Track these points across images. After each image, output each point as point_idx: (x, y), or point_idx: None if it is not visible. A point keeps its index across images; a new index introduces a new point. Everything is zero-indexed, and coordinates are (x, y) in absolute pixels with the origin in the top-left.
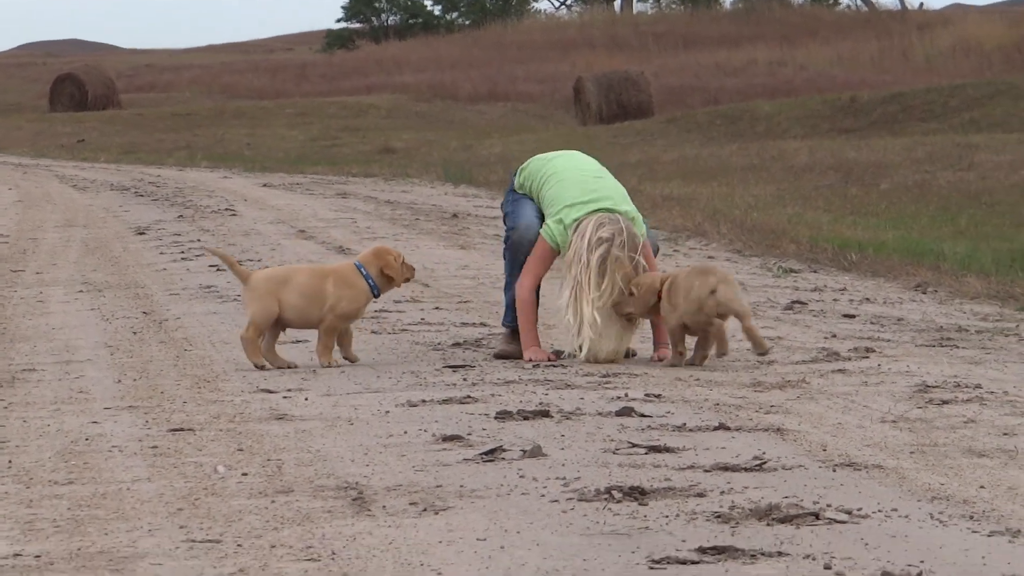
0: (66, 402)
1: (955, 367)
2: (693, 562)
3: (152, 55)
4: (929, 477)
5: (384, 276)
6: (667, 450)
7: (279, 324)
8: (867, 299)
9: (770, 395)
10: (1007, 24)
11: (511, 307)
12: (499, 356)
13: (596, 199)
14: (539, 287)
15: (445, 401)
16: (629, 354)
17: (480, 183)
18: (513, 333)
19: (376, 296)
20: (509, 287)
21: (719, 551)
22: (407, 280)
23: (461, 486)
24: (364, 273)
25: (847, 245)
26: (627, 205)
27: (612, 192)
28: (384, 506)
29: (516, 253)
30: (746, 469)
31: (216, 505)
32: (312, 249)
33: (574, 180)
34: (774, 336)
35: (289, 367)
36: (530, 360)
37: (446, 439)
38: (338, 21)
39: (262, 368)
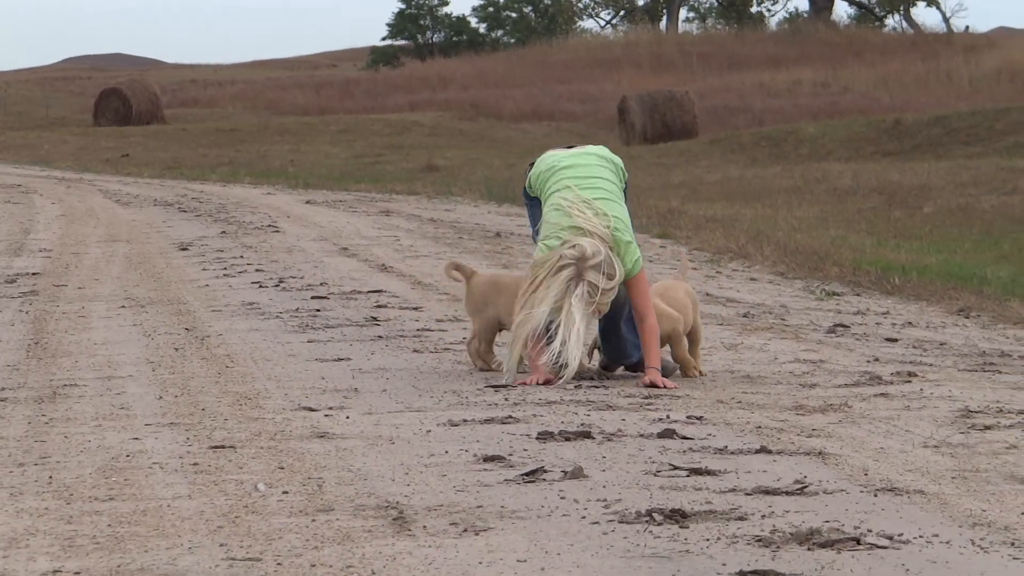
0: (107, 418)
1: (998, 392)
2: None
3: (196, 70)
4: (971, 503)
5: None
6: (708, 473)
7: None
8: (910, 323)
9: (812, 418)
10: None
11: None
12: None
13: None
14: None
15: (486, 421)
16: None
17: (523, 202)
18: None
19: None
20: None
21: (760, 575)
22: None
23: (502, 507)
24: None
25: (890, 268)
26: (626, 235)
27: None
28: (424, 526)
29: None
30: (787, 493)
31: (256, 523)
32: (354, 267)
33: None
34: (816, 359)
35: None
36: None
37: (487, 459)
38: (383, 38)
39: None
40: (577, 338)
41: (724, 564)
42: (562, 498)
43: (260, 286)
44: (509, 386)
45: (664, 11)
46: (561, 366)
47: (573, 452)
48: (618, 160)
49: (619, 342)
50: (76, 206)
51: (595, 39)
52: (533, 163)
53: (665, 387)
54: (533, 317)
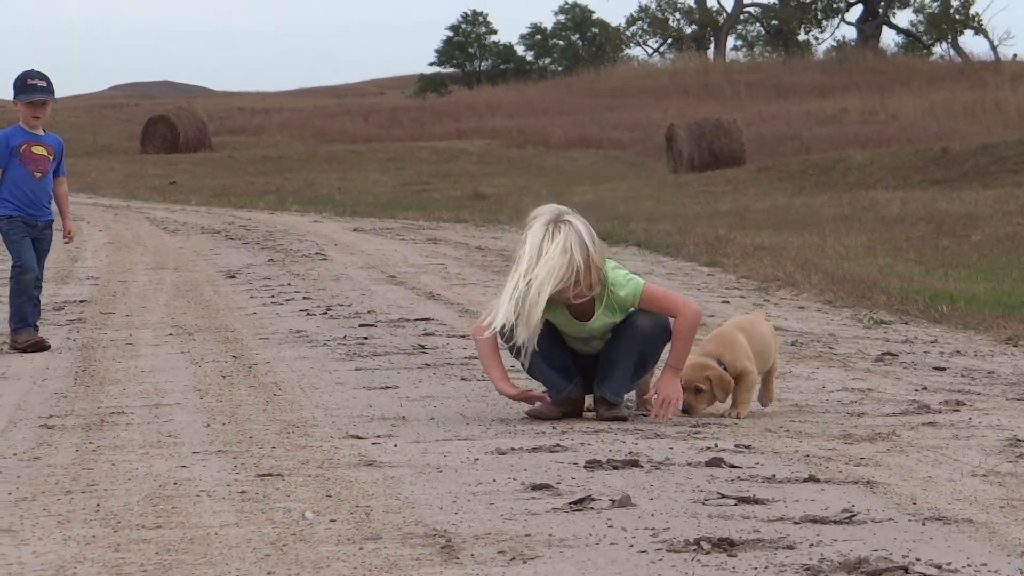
0: (155, 446)
1: None
2: None
3: (244, 98)
4: (1020, 532)
5: None
6: (756, 501)
7: None
8: (958, 352)
9: (860, 447)
10: None
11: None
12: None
13: None
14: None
15: (534, 449)
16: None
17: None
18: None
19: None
20: None
21: None
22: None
23: (550, 535)
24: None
25: (938, 297)
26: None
27: None
28: (472, 554)
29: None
30: (835, 522)
31: (304, 551)
32: (402, 295)
33: None
34: (864, 388)
35: None
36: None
37: (535, 487)
38: (431, 65)
39: None
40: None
41: None
42: (610, 527)
43: (308, 314)
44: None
45: (712, 39)
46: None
47: (621, 481)
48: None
49: (617, 379)
50: (123, 233)
51: (643, 67)
52: None
53: (665, 408)
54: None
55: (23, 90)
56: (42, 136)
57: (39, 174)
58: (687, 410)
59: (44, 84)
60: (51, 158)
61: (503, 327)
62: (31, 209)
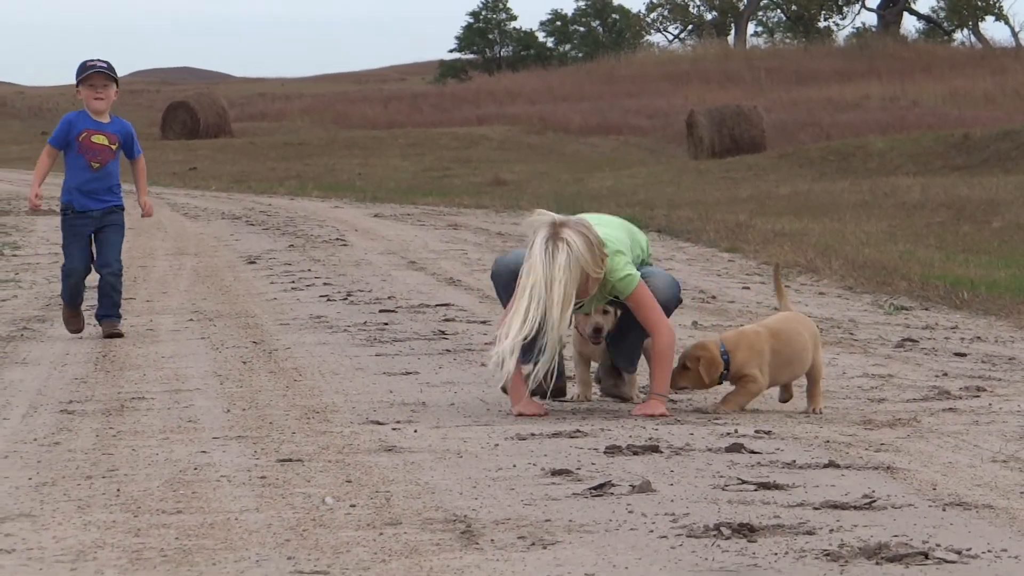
0: (175, 431)
1: None
2: None
3: (264, 84)
4: None
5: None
6: (776, 487)
7: None
8: (978, 338)
9: (880, 433)
10: None
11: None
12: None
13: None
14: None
15: (554, 435)
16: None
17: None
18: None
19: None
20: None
21: None
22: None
23: (570, 520)
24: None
25: (959, 283)
26: (614, 246)
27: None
28: (492, 539)
29: (496, 288)
30: (855, 507)
31: (324, 536)
32: (422, 280)
33: None
34: (885, 374)
35: None
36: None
37: (555, 473)
38: (451, 52)
39: None
40: (559, 319)
41: None
42: (630, 512)
43: (328, 299)
44: (577, 400)
45: (732, 25)
46: (544, 375)
47: (641, 466)
48: (641, 237)
49: (629, 348)
50: (143, 219)
51: (663, 53)
52: None
53: (662, 415)
54: (523, 299)
55: (81, 72)
56: (106, 123)
57: (96, 164)
58: (671, 383)
59: (104, 65)
60: (113, 146)
61: (526, 337)
62: (84, 199)
